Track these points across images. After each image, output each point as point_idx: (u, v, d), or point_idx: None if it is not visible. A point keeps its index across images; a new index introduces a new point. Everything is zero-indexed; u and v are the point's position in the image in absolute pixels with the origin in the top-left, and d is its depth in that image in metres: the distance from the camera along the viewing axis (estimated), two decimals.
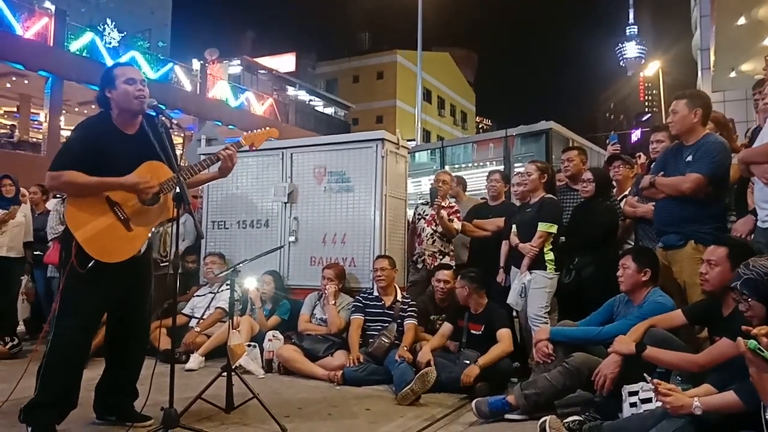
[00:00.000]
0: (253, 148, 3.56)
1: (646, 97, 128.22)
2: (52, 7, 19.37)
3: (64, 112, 18.70)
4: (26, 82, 18.49)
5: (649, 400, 2.78)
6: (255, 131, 3.56)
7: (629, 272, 3.52)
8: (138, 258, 3.09)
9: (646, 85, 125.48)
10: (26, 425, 2.88)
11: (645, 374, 2.63)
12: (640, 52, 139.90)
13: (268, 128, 3.64)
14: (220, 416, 3.33)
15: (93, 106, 3.27)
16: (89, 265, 2.89)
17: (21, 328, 6.30)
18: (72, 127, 3.49)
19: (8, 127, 20.78)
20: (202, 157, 3.45)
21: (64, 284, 2.93)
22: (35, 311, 6.47)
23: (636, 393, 2.86)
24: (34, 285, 6.49)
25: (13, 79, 18.39)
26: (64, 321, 2.94)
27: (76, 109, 20.09)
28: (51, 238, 5.89)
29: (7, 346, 5.24)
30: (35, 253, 6.26)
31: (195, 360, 4.84)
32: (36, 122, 20.84)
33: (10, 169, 6.40)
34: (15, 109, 21.03)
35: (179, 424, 2.89)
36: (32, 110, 20.41)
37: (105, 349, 3.28)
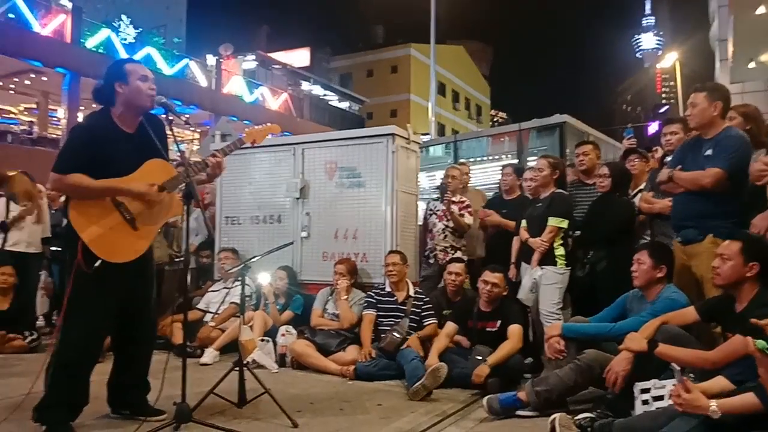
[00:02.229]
0: (255, 144, 3.56)
1: (663, 89, 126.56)
2: (69, 4, 19.54)
3: (81, 108, 18.90)
4: (44, 78, 18.70)
5: (661, 398, 2.76)
6: (256, 127, 3.57)
7: (644, 268, 3.49)
8: (141, 255, 3.09)
9: (663, 76, 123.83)
10: (41, 424, 2.91)
11: (673, 365, 2.60)
12: (657, 44, 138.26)
13: (269, 124, 3.64)
14: (232, 411, 3.36)
15: None
16: (96, 265, 2.88)
17: (40, 322, 6.40)
18: None
19: (27, 123, 21.07)
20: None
21: (71, 286, 2.92)
22: (54, 306, 6.57)
23: (648, 390, 2.84)
24: (52, 280, 6.60)
25: (32, 76, 18.61)
26: (71, 322, 2.95)
27: (94, 105, 20.23)
28: None
29: (27, 341, 5.33)
30: (53, 248, 6.35)
31: (209, 354, 4.89)
32: (54, 118, 21.06)
33: (29, 165, 6.49)
34: (35, 106, 21.29)
35: (192, 418, 2.93)
36: (50, 106, 20.63)
37: (112, 346, 3.30)
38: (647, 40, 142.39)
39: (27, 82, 19.27)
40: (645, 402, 2.84)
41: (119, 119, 3.09)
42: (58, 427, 2.88)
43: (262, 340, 4.78)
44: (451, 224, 5.55)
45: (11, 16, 17.06)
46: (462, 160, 8.18)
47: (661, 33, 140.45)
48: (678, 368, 2.52)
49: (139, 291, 3.19)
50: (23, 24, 17.20)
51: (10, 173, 6.22)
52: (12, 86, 19.69)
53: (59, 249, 6.17)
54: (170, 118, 3.15)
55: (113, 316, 3.09)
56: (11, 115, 22.16)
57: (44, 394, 2.94)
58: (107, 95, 3.09)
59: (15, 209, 6.01)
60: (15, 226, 5.98)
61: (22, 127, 20.48)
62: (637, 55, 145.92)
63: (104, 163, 2.96)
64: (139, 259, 3.06)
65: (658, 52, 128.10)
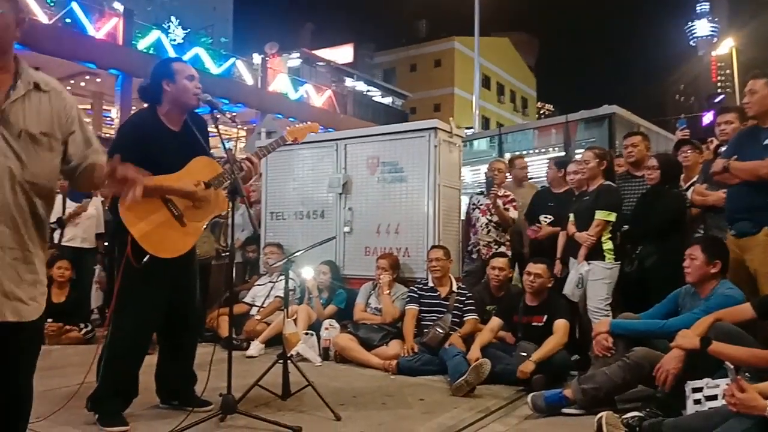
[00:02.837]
0: (296, 142, 3.65)
1: (719, 78, 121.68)
2: (121, 8, 20.18)
3: (133, 108, 19.46)
4: (98, 80, 19.37)
5: (714, 398, 2.65)
6: (297, 126, 3.66)
7: (697, 263, 3.36)
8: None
9: (719, 64, 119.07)
10: (93, 413, 3.02)
11: (727, 363, 2.50)
12: (712, 30, 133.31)
13: (309, 123, 3.74)
14: (276, 403, 3.41)
15: None
16: (144, 260, 2.94)
17: (95, 315, 6.64)
18: None
19: None
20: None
21: (120, 281, 2.99)
22: (107, 299, 6.80)
23: (700, 389, 2.73)
24: (106, 274, 6.82)
25: (87, 77, 19.30)
26: (121, 316, 3.03)
27: (145, 105, 20.90)
28: None
29: (82, 332, 5.54)
30: (106, 243, 6.58)
31: (255, 347, 4.97)
32: (108, 119, 21.81)
33: None
34: (89, 107, 22.08)
35: (237, 410, 2.98)
36: (104, 107, 21.36)
37: (158, 339, 3.37)
38: (702, 27, 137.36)
39: (82, 84, 20.00)
40: (697, 401, 2.74)
41: (165, 117, 3.16)
42: (109, 415, 2.98)
43: (306, 334, 4.83)
44: (494, 219, 5.48)
45: (68, 21, 17.75)
46: (518, 154, 7.99)
47: (716, 19, 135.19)
48: (732, 367, 2.41)
49: (184, 284, 3.26)
50: (79, 28, 17.87)
51: None
52: (68, 88, 20.39)
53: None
54: (216, 116, 3.20)
55: (161, 310, 3.16)
56: None
57: (97, 385, 3.05)
58: (154, 93, 3.16)
59: (71, 206, 6.27)
60: (71, 222, 6.24)
61: None
62: (691, 42, 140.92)
63: (152, 161, 3.00)
64: (184, 253, 3.13)
65: (713, 39, 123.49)
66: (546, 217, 5.29)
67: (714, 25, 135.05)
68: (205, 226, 3.40)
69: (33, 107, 1.78)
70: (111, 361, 3.03)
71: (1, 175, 1.72)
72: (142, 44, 19.77)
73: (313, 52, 30.92)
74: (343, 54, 34.06)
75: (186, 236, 3.13)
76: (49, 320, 5.44)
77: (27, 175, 1.76)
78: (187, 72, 3.15)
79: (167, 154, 3.08)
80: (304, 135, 3.64)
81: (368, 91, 33.33)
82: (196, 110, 3.28)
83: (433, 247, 5.00)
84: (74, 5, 17.71)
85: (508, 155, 9.68)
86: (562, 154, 8.69)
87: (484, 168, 6.64)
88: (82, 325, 5.60)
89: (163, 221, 3.04)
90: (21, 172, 1.75)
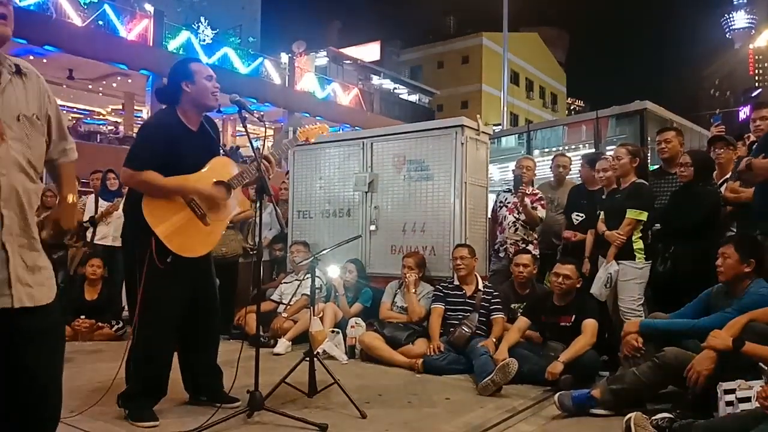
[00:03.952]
0: (309, 142, 3.74)
1: (757, 71, 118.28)
2: (152, 9, 20.53)
3: (164, 108, 19.78)
4: (130, 81, 19.76)
5: (747, 399, 2.59)
6: (308, 127, 3.70)
7: (730, 262, 3.29)
8: None
9: (757, 57, 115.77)
10: (124, 410, 3.08)
11: (761, 364, 2.44)
12: (749, 22, 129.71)
13: (320, 124, 3.80)
14: (303, 400, 3.44)
15: None
16: (168, 260, 2.97)
17: (126, 313, 6.78)
18: None
19: (113, 123, 22.34)
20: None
21: (145, 280, 3.00)
22: (130, 298, 6.92)
23: (733, 391, 2.67)
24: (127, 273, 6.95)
25: (118, 78, 19.72)
26: (146, 316, 3.05)
27: (164, 106, 21.23)
28: None
29: (113, 329, 5.67)
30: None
31: (282, 344, 5.01)
32: (139, 119, 22.21)
33: (117, 164, 6.82)
34: (121, 107, 22.53)
35: (264, 406, 3.03)
36: (135, 107, 21.78)
37: (180, 336, 3.31)
38: (739, 19, 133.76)
39: (114, 84, 20.44)
40: (729, 403, 2.68)
41: (184, 117, 3.20)
42: (139, 411, 3.03)
43: (332, 332, 4.86)
44: (522, 217, 5.41)
45: (100, 23, 18.15)
46: (560, 152, 7.80)
47: (754, 10, 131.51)
48: (766, 368, 2.35)
49: (205, 282, 3.31)
50: (111, 30, 18.26)
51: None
52: (101, 89, 20.94)
53: None
54: (244, 115, 3.23)
55: (183, 309, 3.19)
56: (100, 116, 23.60)
57: (126, 386, 3.11)
58: (173, 95, 3.19)
59: (103, 205, 6.41)
60: (103, 221, 6.39)
61: (109, 127, 21.74)
62: (727, 35, 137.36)
63: (174, 160, 3.06)
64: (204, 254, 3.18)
65: (751, 32, 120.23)
66: (578, 215, 5.21)
67: (751, 16, 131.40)
68: (231, 225, 3.46)
69: (22, 91, 1.78)
70: (138, 361, 3.08)
71: (10, 161, 1.68)
72: (173, 45, 20.10)
73: (340, 50, 31.03)
74: (369, 52, 34.11)
75: (209, 235, 3.19)
76: (82, 317, 5.59)
77: (32, 158, 1.74)
78: (205, 72, 3.20)
79: (188, 153, 3.13)
80: (315, 135, 3.69)
81: (395, 88, 33.32)
82: (225, 110, 3.33)
83: (458, 245, 4.97)
84: (106, 7, 18.10)
85: (537, 152, 9.59)
86: (592, 150, 8.55)
87: (512, 165, 6.56)
88: (113, 322, 5.73)
89: (187, 221, 3.08)
90: (27, 155, 1.72)
